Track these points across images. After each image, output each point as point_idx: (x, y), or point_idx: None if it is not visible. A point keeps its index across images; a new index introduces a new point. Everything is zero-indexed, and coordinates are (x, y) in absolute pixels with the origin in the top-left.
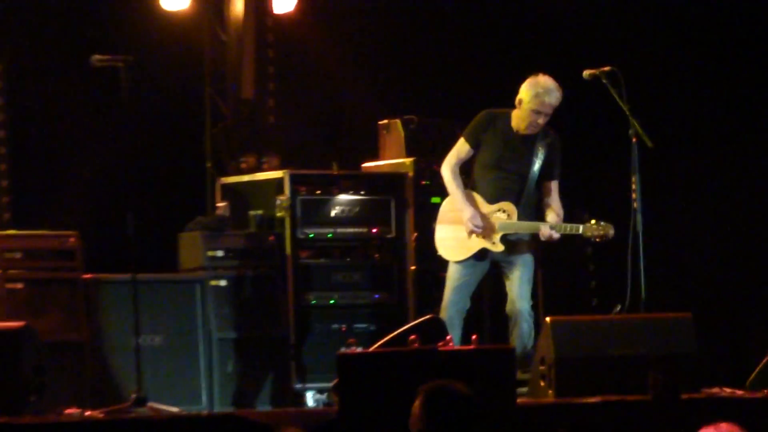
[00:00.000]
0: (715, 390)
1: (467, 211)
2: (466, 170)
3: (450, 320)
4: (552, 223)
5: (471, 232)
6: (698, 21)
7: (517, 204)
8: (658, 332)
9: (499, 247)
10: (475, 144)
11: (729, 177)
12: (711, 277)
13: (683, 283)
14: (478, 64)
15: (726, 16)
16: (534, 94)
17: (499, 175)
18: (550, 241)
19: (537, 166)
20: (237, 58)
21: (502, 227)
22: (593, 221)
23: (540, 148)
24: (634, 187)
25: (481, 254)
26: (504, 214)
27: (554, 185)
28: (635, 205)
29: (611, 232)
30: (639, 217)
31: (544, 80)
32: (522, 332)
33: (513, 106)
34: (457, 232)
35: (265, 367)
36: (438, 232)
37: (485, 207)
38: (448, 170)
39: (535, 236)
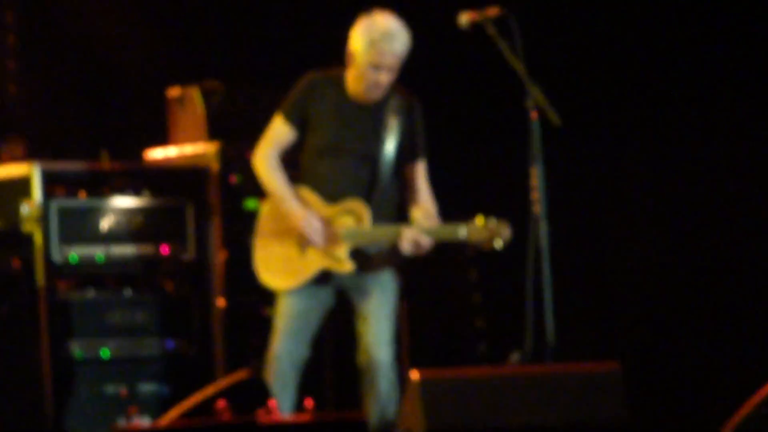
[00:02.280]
0: None
1: (298, 217)
2: (293, 161)
3: (280, 377)
4: (420, 224)
5: (305, 246)
6: None
7: (368, 201)
8: (574, 393)
9: (347, 266)
10: (298, 122)
11: (666, 167)
12: (642, 310)
13: (605, 320)
14: (310, 5)
15: None
16: (368, 42)
17: (338, 161)
18: (417, 253)
19: (391, 143)
20: None
21: (350, 236)
22: (480, 219)
23: (391, 117)
24: (534, 182)
25: (322, 278)
26: (351, 217)
27: (420, 168)
28: (536, 208)
29: (507, 233)
30: (543, 225)
31: (382, 20)
32: (380, 393)
33: (345, 64)
34: (285, 249)
35: None
36: (258, 249)
37: (323, 209)
38: (263, 161)
39: (397, 247)
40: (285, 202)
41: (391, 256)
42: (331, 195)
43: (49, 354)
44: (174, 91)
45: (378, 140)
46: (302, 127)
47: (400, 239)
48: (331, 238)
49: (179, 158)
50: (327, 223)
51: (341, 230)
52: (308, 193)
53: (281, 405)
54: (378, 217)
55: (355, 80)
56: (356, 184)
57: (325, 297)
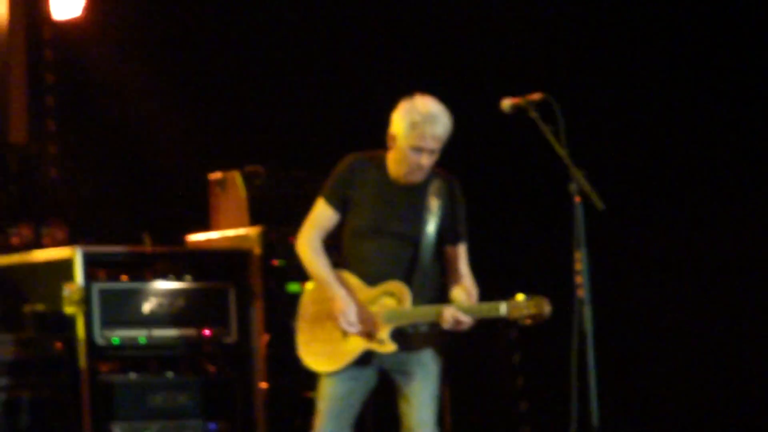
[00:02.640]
0: None
1: (340, 301)
2: (336, 243)
3: None
4: (460, 302)
5: (347, 331)
6: (662, 35)
7: (409, 283)
8: None
9: (389, 347)
10: (340, 205)
11: (710, 249)
12: (689, 397)
13: (650, 404)
14: (350, 90)
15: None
16: (409, 125)
17: (379, 243)
18: (457, 330)
19: (432, 225)
20: (1, 84)
21: (391, 318)
22: (520, 296)
23: (432, 199)
24: (578, 266)
25: (364, 360)
26: (392, 299)
27: (461, 250)
28: (580, 292)
29: (547, 309)
30: (587, 310)
31: (423, 103)
32: None
33: (387, 147)
34: (327, 332)
35: None
36: (301, 333)
37: (364, 292)
38: (306, 245)
39: (438, 327)
40: (329, 287)
41: (433, 337)
42: (372, 277)
43: None
44: (216, 176)
45: (419, 222)
46: (344, 208)
47: (440, 318)
48: (372, 320)
49: (221, 242)
50: (368, 305)
51: (382, 312)
52: (350, 276)
53: None
54: (419, 299)
55: (397, 162)
56: (397, 266)
57: (367, 378)
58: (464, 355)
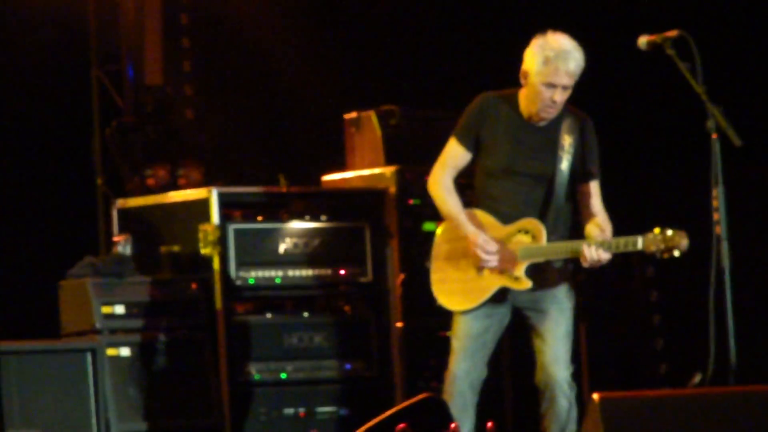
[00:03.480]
0: None
1: (474, 237)
2: (468, 182)
3: (460, 399)
4: (597, 239)
5: (482, 268)
6: None
7: (543, 220)
8: (760, 413)
9: (525, 284)
10: (472, 144)
11: None
12: None
13: None
14: (482, 29)
15: None
16: (542, 61)
17: (513, 182)
18: (597, 266)
19: (565, 163)
20: (136, 26)
21: (527, 254)
22: (657, 230)
23: (565, 137)
24: (716, 203)
25: (499, 297)
26: (527, 236)
27: (594, 187)
28: (718, 229)
29: (684, 242)
30: (725, 247)
31: (555, 39)
32: (559, 412)
33: (520, 85)
34: (461, 271)
35: None
36: (434, 272)
37: (498, 230)
38: (438, 184)
39: (574, 264)
40: (461, 225)
41: (567, 273)
42: (506, 215)
43: (227, 376)
44: (351, 116)
45: (553, 160)
46: (476, 148)
47: (579, 254)
48: (508, 257)
49: (356, 181)
50: (503, 243)
51: (517, 249)
52: (483, 215)
53: (461, 427)
54: (553, 237)
55: (529, 100)
56: (531, 205)
57: (502, 316)
58: (601, 292)
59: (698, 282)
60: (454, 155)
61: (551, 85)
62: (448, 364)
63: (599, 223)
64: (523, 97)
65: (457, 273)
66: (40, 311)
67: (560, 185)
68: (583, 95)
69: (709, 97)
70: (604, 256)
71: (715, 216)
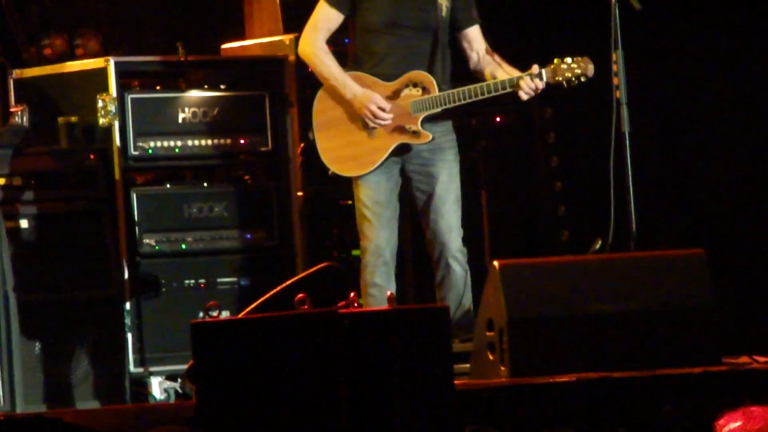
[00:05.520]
0: (743, 360)
1: (364, 97)
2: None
3: (384, 268)
4: (516, 73)
5: (373, 127)
6: None
7: (432, 72)
8: (658, 278)
9: (425, 136)
10: (345, 4)
11: (750, 49)
12: (729, 196)
13: (689, 207)
14: None
15: None
16: None
17: (398, 36)
18: (531, 95)
19: (445, 10)
20: None
21: (420, 107)
22: (560, 59)
23: None
24: (615, 67)
25: (393, 159)
26: (416, 89)
27: (478, 31)
28: (618, 93)
29: (590, 67)
30: (625, 111)
31: None
32: (456, 280)
33: None
34: (351, 135)
35: (88, 344)
36: (321, 141)
37: (383, 87)
38: (313, 48)
39: (452, 125)
40: (345, 87)
41: (451, 136)
42: (390, 72)
43: (126, 248)
44: None
45: (434, 9)
46: (352, 8)
47: (514, 86)
48: (400, 113)
49: (255, 49)
50: (391, 100)
51: (408, 103)
52: (363, 76)
53: (384, 295)
54: (444, 87)
55: None
56: (418, 57)
57: (397, 178)
58: (502, 159)
59: (599, 147)
60: (327, 17)
61: None
62: (365, 234)
63: (500, 61)
64: None
65: (346, 138)
66: None
67: (443, 34)
68: None
69: None
70: (540, 84)
71: (615, 80)
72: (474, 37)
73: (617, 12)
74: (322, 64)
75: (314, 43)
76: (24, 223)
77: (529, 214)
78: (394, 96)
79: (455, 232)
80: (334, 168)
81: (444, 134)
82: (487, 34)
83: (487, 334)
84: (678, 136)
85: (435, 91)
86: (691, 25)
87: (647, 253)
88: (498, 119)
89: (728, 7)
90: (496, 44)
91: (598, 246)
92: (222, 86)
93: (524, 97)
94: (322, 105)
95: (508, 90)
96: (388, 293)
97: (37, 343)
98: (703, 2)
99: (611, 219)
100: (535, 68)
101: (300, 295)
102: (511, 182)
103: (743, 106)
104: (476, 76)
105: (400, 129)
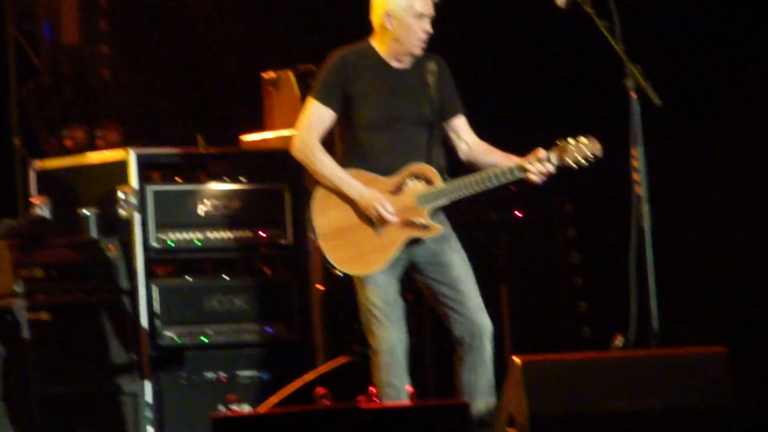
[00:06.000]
0: None
1: (370, 196)
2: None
3: (398, 367)
4: (531, 156)
5: (380, 225)
6: None
7: (430, 163)
8: (680, 377)
9: (436, 229)
10: (337, 103)
11: None
12: (751, 296)
13: (711, 305)
14: None
15: None
16: None
17: (395, 131)
18: (542, 178)
19: (435, 103)
20: None
21: (426, 200)
22: (566, 140)
23: (429, 77)
24: (636, 163)
25: (403, 249)
26: (419, 182)
27: (465, 121)
28: (638, 189)
29: (598, 146)
30: (646, 208)
31: None
32: (488, 360)
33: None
34: (358, 234)
35: None
36: (324, 241)
37: (383, 183)
38: (312, 148)
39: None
40: (349, 187)
41: (448, 223)
42: (390, 166)
43: (147, 340)
44: (269, 75)
45: (427, 101)
46: (345, 106)
47: (522, 171)
48: (406, 208)
49: (275, 142)
50: (395, 194)
51: (413, 197)
52: (361, 173)
53: (400, 395)
54: (444, 176)
55: (398, 40)
56: (416, 150)
57: (399, 273)
58: (522, 254)
59: (620, 244)
60: (320, 117)
61: (421, 16)
62: (376, 334)
63: (494, 149)
64: (387, 42)
65: (352, 236)
66: None
67: (436, 126)
68: (506, 55)
69: (628, 56)
70: (551, 167)
71: (635, 176)
72: (461, 127)
73: (637, 107)
74: (322, 164)
75: (311, 143)
76: (45, 315)
77: (549, 310)
78: (396, 191)
79: (485, 311)
80: (343, 267)
81: (443, 223)
82: (503, 127)
83: (508, 430)
84: (700, 231)
85: (439, 183)
86: (712, 119)
87: (669, 351)
88: (518, 214)
89: (747, 102)
90: (513, 137)
91: (619, 343)
92: (242, 178)
93: (536, 179)
94: (321, 204)
95: (516, 177)
96: (408, 388)
97: None
98: (724, 96)
99: (632, 315)
100: (541, 152)
101: (320, 390)
102: (532, 278)
103: (766, 202)
104: (471, 167)
105: (408, 223)
